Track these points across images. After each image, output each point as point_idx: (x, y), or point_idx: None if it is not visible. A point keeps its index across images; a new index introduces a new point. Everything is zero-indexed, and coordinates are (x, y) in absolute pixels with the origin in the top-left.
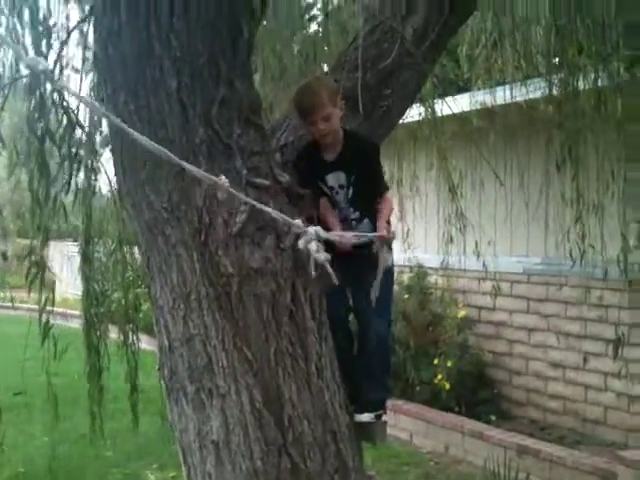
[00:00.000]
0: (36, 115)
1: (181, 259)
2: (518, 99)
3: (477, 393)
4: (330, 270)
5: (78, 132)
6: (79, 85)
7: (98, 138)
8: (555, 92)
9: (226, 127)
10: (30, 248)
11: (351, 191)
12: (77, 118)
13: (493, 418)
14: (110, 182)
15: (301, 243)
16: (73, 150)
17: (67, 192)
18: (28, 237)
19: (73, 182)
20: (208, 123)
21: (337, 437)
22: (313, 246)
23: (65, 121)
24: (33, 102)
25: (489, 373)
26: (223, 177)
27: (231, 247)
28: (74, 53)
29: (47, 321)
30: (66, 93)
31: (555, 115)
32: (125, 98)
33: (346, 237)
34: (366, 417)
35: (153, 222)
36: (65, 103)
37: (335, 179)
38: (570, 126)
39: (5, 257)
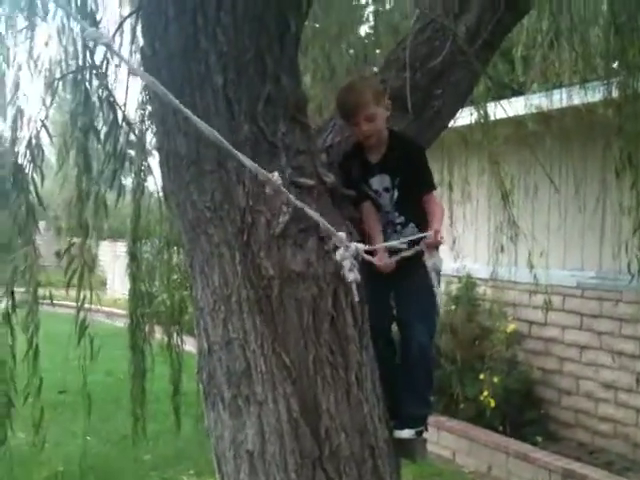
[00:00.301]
0: (80, 110)
1: (223, 260)
2: (575, 102)
3: (523, 412)
4: (356, 293)
5: (126, 129)
6: (126, 81)
7: (149, 136)
8: (614, 95)
9: (271, 125)
10: (68, 245)
11: (396, 194)
12: (124, 114)
13: (539, 439)
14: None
15: (338, 255)
16: (119, 147)
17: (112, 190)
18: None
19: (121, 181)
20: (253, 120)
21: (375, 453)
22: (347, 264)
23: (111, 117)
24: (78, 97)
25: (537, 391)
26: (276, 174)
27: (273, 248)
28: (121, 48)
29: (83, 320)
30: (114, 78)
31: (614, 119)
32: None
33: (387, 262)
34: (406, 433)
35: (196, 221)
36: (112, 98)
37: (379, 182)
38: (630, 129)
39: (59, 255)
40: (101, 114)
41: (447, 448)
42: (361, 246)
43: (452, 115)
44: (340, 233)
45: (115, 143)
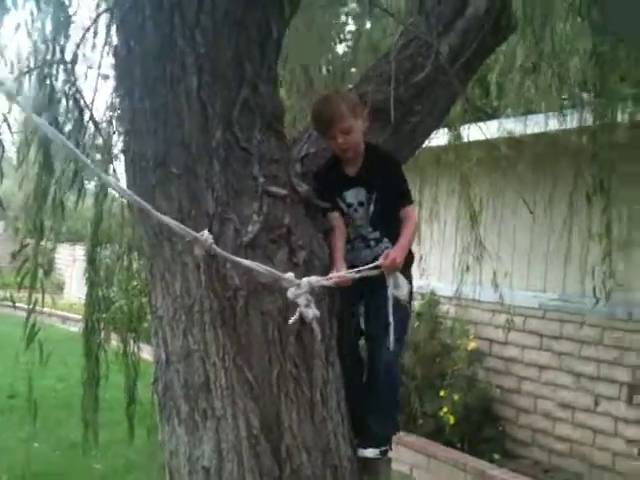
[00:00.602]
0: (44, 106)
1: (186, 268)
2: (549, 128)
3: (482, 429)
4: (317, 329)
5: (92, 129)
6: (95, 82)
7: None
8: (590, 123)
9: (246, 131)
10: (22, 245)
11: (372, 209)
12: (91, 113)
13: (497, 457)
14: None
15: (290, 294)
16: (82, 147)
17: (73, 191)
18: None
19: (82, 182)
20: (228, 125)
21: (338, 472)
22: (302, 301)
23: (77, 115)
24: (42, 93)
25: (496, 409)
26: (206, 232)
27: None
28: (94, 44)
29: (34, 324)
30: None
31: (589, 146)
32: (141, 94)
33: (344, 278)
34: (370, 453)
35: (159, 228)
36: (78, 96)
37: (355, 195)
38: (604, 157)
39: (14, 256)
40: (66, 112)
41: (405, 463)
42: (313, 279)
43: (428, 133)
44: (287, 275)
45: (78, 142)
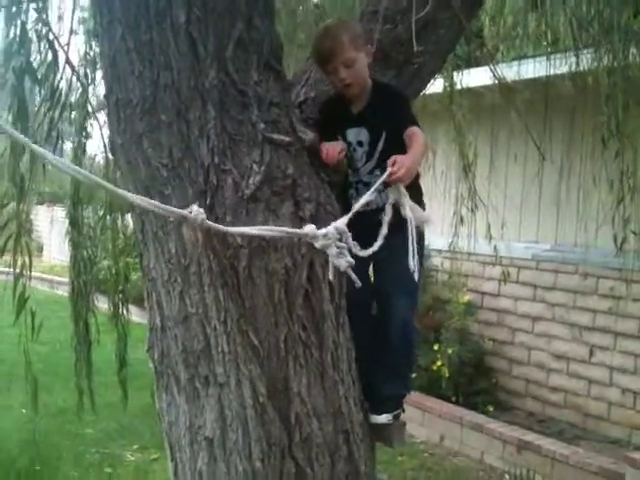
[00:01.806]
0: (15, 47)
1: (181, 225)
2: (542, 74)
3: (476, 382)
4: (354, 276)
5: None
6: (71, 20)
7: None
8: (584, 66)
9: (242, 71)
10: (1, 202)
11: (380, 148)
12: (67, 56)
13: (491, 409)
14: (102, 136)
15: (319, 245)
16: (58, 93)
17: (49, 143)
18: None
19: (58, 132)
20: (221, 65)
21: (350, 438)
22: (333, 251)
23: (50, 57)
24: (12, 33)
25: (489, 362)
26: (195, 207)
27: (241, 213)
28: None
29: (23, 292)
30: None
31: (603, 88)
32: (123, 32)
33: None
34: (383, 418)
35: (150, 181)
36: (51, 36)
37: (355, 135)
38: (615, 99)
39: None
40: (39, 54)
41: None
42: (339, 223)
43: (433, 74)
44: (307, 228)
45: (54, 89)
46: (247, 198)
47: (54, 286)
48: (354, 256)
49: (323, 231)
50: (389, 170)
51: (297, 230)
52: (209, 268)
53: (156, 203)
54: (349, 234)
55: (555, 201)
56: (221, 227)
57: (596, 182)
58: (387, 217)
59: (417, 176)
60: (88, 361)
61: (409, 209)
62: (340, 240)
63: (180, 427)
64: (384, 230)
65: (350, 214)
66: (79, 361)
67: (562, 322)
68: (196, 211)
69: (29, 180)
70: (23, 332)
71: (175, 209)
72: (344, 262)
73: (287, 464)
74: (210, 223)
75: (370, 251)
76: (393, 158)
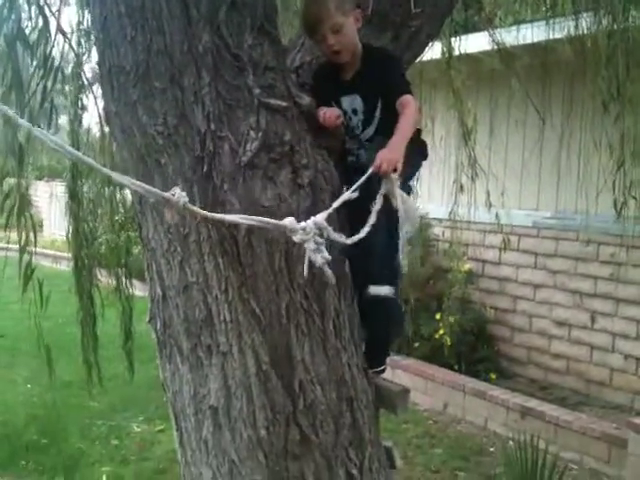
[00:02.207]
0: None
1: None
2: (539, 39)
3: (478, 350)
4: (329, 272)
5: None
6: None
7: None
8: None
9: (236, 35)
10: (2, 174)
11: (373, 116)
12: (59, 22)
13: (493, 376)
14: (97, 105)
15: (297, 239)
16: (50, 62)
17: (43, 113)
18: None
19: (52, 102)
20: (214, 28)
21: (353, 405)
22: (311, 245)
23: (41, 23)
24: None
25: (491, 330)
26: (177, 190)
27: (239, 181)
28: None
29: (29, 263)
30: None
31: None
32: None
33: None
34: (387, 290)
35: (146, 149)
36: (42, 1)
37: (350, 102)
38: (615, 63)
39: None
40: (29, 20)
41: None
42: (319, 218)
43: (429, 38)
44: (287, 220)
45: (46, 56)
46: (244, 165)
47: (56, 261)
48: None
49: (302, 224)
50: (371, 170)
51: (276, 222)
52: (208, 237)
53: (139, 184)
54: (330, 228)
55: (556, 168)
56: (201, 212)
57: (597, 147)
58: (377, 206)
59: (418, 132)
60: (94, 335)
61: (400, 201)
62: (321, 235)
63: (184, 396)
64: (372, 219)
65: (331, 209)
66: (85, 336)
67: (563, 289)
68: (178, 194)
69: (27, 152)
70: (28, 306)
71: (158, 191)
72: (320, 258)
73: (292, 431)
74: (191, 207)
75: (356, 239)
76: (378, 154)
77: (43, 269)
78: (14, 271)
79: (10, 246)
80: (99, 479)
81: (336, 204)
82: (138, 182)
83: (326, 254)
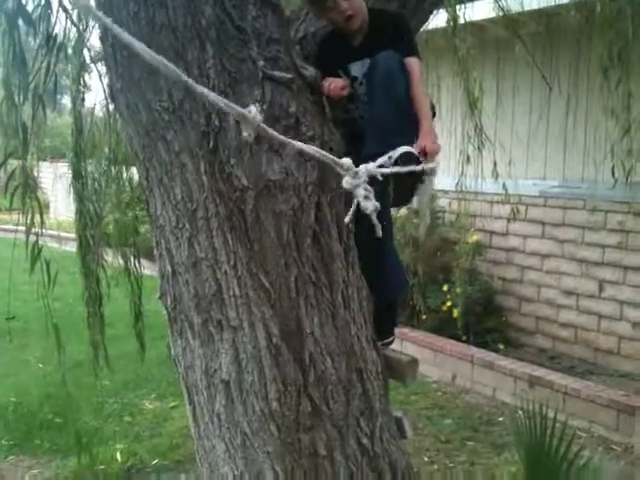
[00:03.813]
0: None
1: (186, 170)
2: (545, 5)
3: (485, 321)
4: (376, 222)
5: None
6: None
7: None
8: None
9: (239, 7)
10: (6, 154)
11: None
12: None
13: (501, 347)
14: (102, 83)
15: (346, 183)
16: (53, 39)
17: (47, 91)
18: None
19: (56, 78)
20: (218, 1)
21: (363, 376)
22: (360, 192)
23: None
24: None
25: (499, 300)
26: (253, 108)
27: (245, 155)
28: None
29: (35, 243)
30: None
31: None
32: None
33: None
34: None
35: (151, 125)
36: None
37: (360, 68)
38: (620, 28)
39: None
40: None
41: None
42: (371, 166)
43: (435, 6)
44: (343, 160)
45: (49, 33)
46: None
47: (62, 242)
48: None
49: (355, 169)
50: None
51: (333, 157)
52: (216, 212)
53: (221, 99)
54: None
55: (562, 136)
56: (274, 134)
57: (604, 114)
58: None
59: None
60: (100, 315)
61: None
62: (370, 183)
63: (196, 371)
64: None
65: (381, 159)
66: (91, 315)
67: (571, 258)
68: (254, 112)
69: (31, 130)
70: (37, 287)
71: (237, 107)
72: (371, 205)
73: (303, 403)
74: (265, 127)
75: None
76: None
77: (51, 250)
78: (24, 253)
79: (19, 228)
80: (113, 455)
81: (379, 161)
82: (219, 97)
83: (376, 202)
